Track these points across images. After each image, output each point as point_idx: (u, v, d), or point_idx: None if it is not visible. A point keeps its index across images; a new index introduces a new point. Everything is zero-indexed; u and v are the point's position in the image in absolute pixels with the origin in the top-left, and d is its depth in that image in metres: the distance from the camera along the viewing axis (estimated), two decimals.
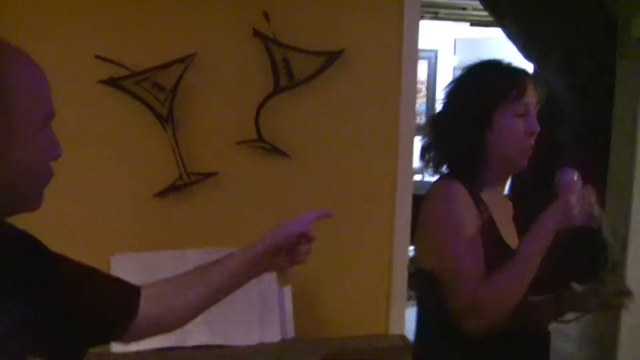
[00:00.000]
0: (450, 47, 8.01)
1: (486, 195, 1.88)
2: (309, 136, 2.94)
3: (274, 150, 2.89)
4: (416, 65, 3.08)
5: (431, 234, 1.87)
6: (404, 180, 3.06)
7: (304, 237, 1.47)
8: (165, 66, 2.73)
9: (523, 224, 1.87)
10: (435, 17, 6.87)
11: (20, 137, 1.11)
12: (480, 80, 1.90)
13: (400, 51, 3.00)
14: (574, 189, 1.76)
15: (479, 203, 1.84)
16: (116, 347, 2.51)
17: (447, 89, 1.96)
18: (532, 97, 1.85)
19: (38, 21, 2.64)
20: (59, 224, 2.66)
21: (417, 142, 3.13)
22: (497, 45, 6.83)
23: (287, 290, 2.87)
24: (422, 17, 6.91)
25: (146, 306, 1.39)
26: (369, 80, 2.98)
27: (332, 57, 2.90)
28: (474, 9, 6.29)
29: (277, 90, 2.87)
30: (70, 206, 2.70)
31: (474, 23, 7.22)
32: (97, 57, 2.68)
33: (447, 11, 6.61)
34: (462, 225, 1.78)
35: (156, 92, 2.72)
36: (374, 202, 3.04)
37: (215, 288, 1.45)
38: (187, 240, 2.82)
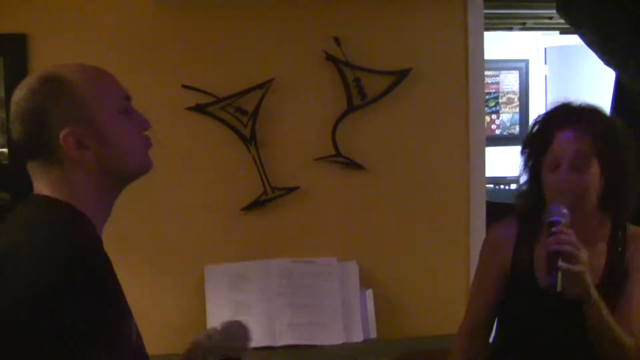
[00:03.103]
0: (541, 56, 8.01)
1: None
2: (382, 150, 3.14)
3: (351, 164, 3.10)
4: (482, 75, 3.24)
5: None
6: (476, 189, 3.21)
7: None
8: (247, 92, 3.00)
9: None
10: (524, 27, 6.91)
11: (109, 124, 1.41)
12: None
13: (467, 64, 3.17)
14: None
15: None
16: None
17: None
18: (565, 146, 1.90)
19: (131, 54, 2.96)
20: (154, 236, 2.99)
21: (488, 151, 3.26)
22: (588, 52, 6.77)
23: (369, 293, 3.07)
24: (511, 28, 7.01)
25: None
26: (437, 95, 3.16)
27: (400, 75, 3.10)
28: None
29: (351, 108, 3.09)
30: (165, 221, 3.00)
31: (563, 31, 7.20)
32: (184, 86, 2.98)
33: (534, 21, 6.63)
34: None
35: (239, 116, 3.00)
36: (449, 208, 3.21)
37: None
38: (272, 250, 3.06)
